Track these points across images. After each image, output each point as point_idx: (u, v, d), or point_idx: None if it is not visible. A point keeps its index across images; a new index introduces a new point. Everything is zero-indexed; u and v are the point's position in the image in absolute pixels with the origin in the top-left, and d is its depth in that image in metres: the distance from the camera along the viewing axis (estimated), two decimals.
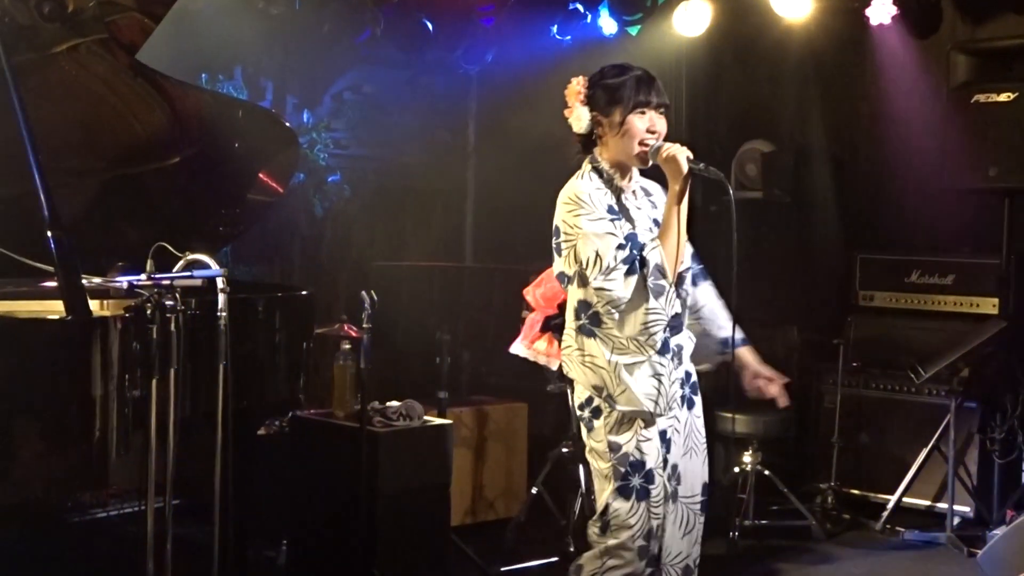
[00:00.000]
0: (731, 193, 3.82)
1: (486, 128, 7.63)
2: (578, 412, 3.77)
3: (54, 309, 3.73)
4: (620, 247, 3.55)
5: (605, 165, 3.71)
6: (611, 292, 3.53)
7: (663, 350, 3.63)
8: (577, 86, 3.71)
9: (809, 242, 7.00)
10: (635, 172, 3.78)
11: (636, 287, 3.54)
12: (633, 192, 3.77)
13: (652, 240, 3.62)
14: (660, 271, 3.57)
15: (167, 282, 3.69)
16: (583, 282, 3.62)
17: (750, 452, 5.96)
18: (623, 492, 3.64)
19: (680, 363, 3.73)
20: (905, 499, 6.04)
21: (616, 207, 3.66)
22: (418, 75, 7.12)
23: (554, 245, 3.70)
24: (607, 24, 6.97)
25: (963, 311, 6.19)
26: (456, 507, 5.28)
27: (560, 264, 3.69)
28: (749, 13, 6.79)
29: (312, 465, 4.89)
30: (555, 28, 6.94)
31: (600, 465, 3.70)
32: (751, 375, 3.96)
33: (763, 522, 5.89)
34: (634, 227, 3.66)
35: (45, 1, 3.98)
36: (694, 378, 3.84)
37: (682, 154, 3.60)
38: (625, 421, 3.64)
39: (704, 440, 3.85)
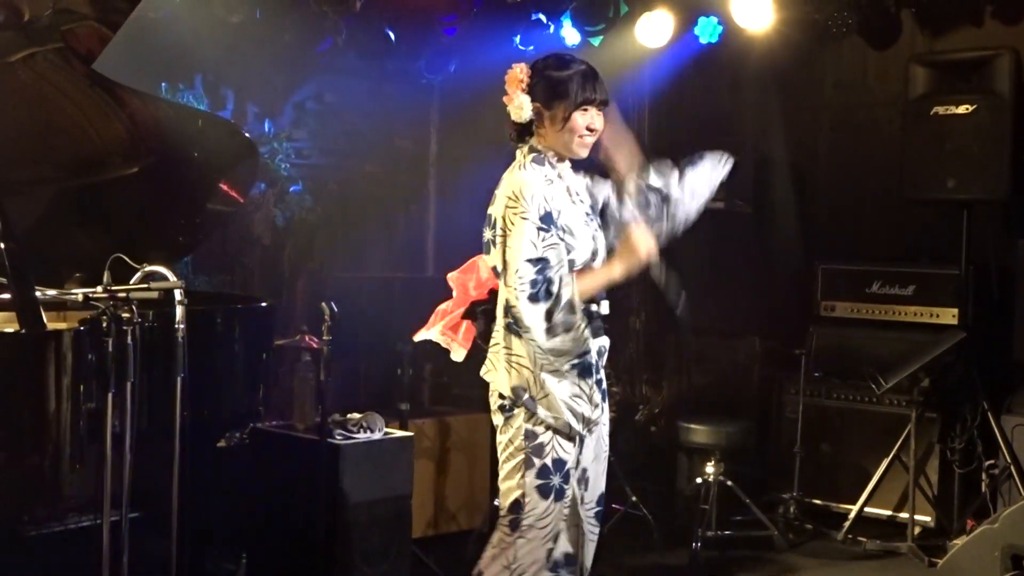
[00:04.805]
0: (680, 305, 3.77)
1: (448, 138, 7.62)
2: (495, 403, 3.62)
3: (8, 322, 3.69)
4: (531, 260, 3.42)
5: (547, 152, 3.62)
6: (514, 310, 3.45)
7: (584, 374, 3.54)
8: (520, 74, 3.58)
9: (770, 252, 7.03)
10: (568, 163, 3.68)
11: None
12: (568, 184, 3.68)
13: (569, 275, 3.47)
14: (571, 306, 3.44)
15: (123, 294, 3.66)
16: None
17: (712, 462, 5.96)
18: (543, 491, 3.53)
19: (597, 366, 3.62)
20: (867, 509, 6.05)
21: (557, 199, 3.53)
22: (380, 84, 7.09)
23: (489, 237, 3.57)
24: (570, 34, 6.97)
25: (923, 321, 6.22)
26: (418, 519, 5.26)
27: (495, 257, 3.56)
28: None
29: (272, 477, 4.86)
30: (518, 38, 6.93)
31: (512, 456, 3.56)
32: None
33: (725, 532, 5.89)
34: (572, 220, 3.56)
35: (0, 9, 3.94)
36: (604, 384, 3.72)
37: (652, 257, 3.56)
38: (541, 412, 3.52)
39: (607, 448, 3.78)
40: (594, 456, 3.70)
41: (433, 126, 7.66)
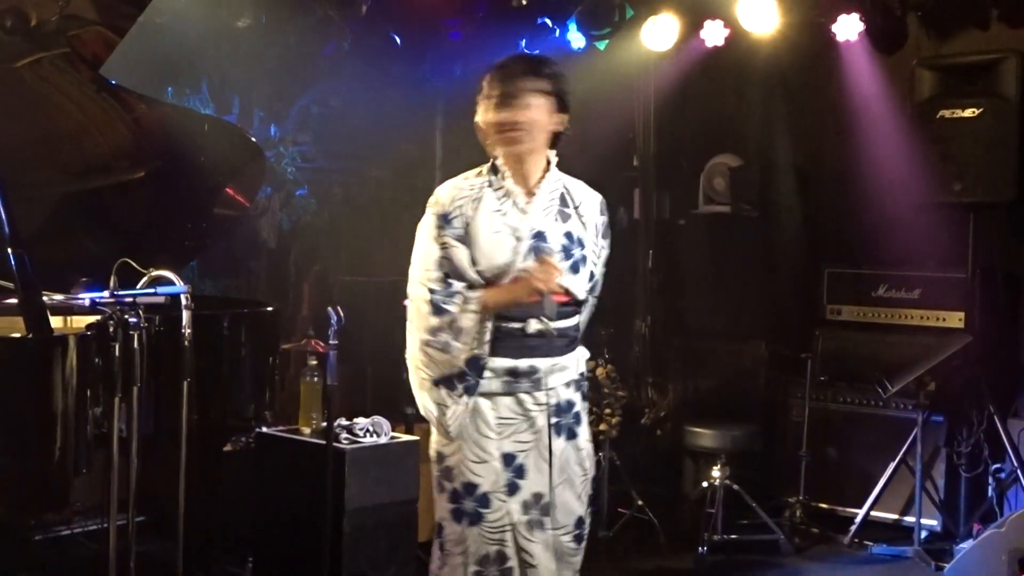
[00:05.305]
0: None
1: (453, 142, 7.62)
2: None
3: (15, 326, 3.69)
4: (439, 267, 3.47)
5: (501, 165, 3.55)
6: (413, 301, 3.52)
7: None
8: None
9: (776, 256, 7.02)
10: (550, 172, 3.56)
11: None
12: (530, 194, 3.54)
13: (472, 301, 3.42)
14: (452, 322, 3.43)
15: (130, 299, 3.67)
16: None
17: (718, 466, 5.96)
18: (455, 515, 3.46)
19: (538, 388, 3.49)
20: (873, 513, 6.04)
21: (472, 207, 3.48)
22: (385, 89, 7.10)
23: None
24: (575, 38, 6.98)
25: (929, 325, 6.21)
26: (424, 523, 5.24)
27: None
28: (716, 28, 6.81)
29: (278, 481, 4.85)
30: (523, 42, 6.94)
31: (434, 474, 3.55)
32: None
33: (732, 536, 5.88)
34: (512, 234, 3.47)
35: (7, 15, 3.96)
36: (577, 409, 3.57)
37: (547, 288, 3.38)
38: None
39: (583, 474, 3.58)
40: (562, 481, 3.54)
41: (438, 130, 7.66)
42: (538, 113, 3.49)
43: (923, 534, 5.79)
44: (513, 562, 3.49)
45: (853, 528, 5.99)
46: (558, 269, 3.42)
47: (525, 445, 3.50)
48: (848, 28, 6.39)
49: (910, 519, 5.90)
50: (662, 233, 7.46)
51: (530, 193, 3.54)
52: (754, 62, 6.99)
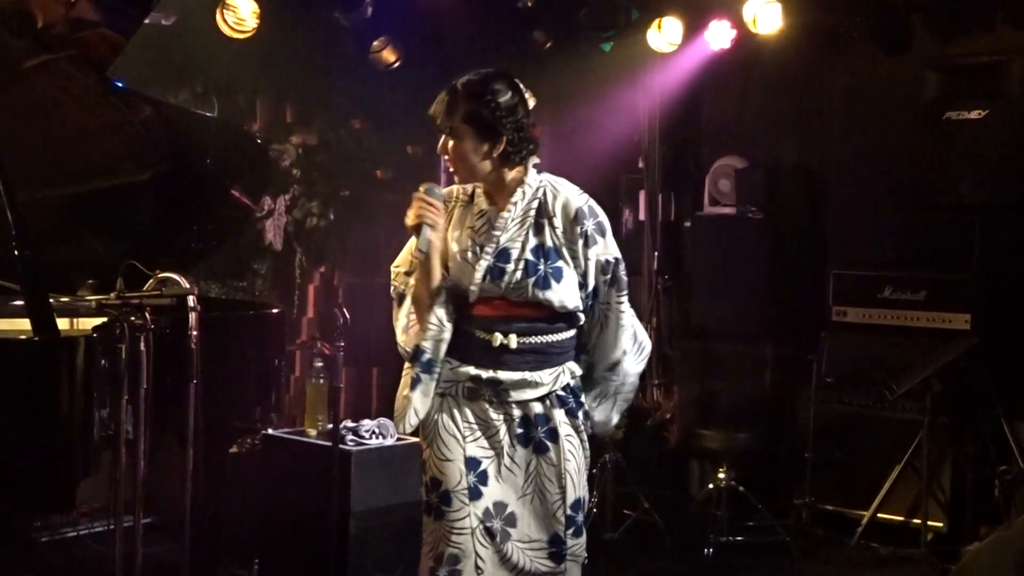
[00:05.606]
0: None
1: None
2: None
3: (23, 328, 3.70)
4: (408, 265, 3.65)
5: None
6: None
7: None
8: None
9: (782, 258, 7.01)
10: (524, 189, 3.47)
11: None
12: (491, 206, 3.52)
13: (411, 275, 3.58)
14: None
15: (136, 301, 3.67)
16: None
17: (724, 468, 5.95)
18: (426, 507, 3.50)
19: (502, 399, 3.45)
20: (879, 515, 6.03)
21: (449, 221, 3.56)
22: (390, 90, 7.10)
23: None
24: (581, 40, 6.97)
25: (935, 327, 6.19)
26: None
27: None
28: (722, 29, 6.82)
29: (284, 483, 4.86)
30: (528, 44, 6.93)
31: None
32: None
33: (738, 538, 5.88)
34: (471, 248, 3.48)
35: (13, 17, 3.95)
36: (552, 425, 3.44)
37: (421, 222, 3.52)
38: (424, 428, 3.51)
39: (559, 492, 3.45)
40: (529, 492, 3.47)
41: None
42: (459, 145, 3.50)
43: (929, 536, 5.77)
44: (465, 565, 3.42)
45: (859, 530, 5.98)
46: (428, 200, 3.54)
47: (489, 452, 3.47)
48: (852, 29, 6.39)
49: (916, 521, 5.88)
50: (667, 235, 7.46)
51: (504, 209, 3.49)
52: (759, 63, 7.00)
